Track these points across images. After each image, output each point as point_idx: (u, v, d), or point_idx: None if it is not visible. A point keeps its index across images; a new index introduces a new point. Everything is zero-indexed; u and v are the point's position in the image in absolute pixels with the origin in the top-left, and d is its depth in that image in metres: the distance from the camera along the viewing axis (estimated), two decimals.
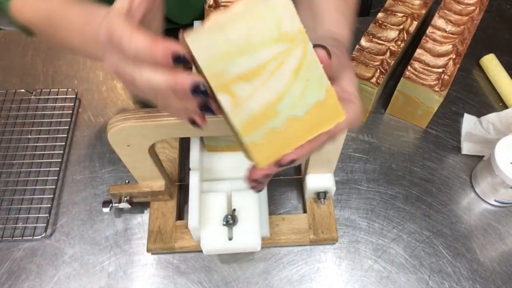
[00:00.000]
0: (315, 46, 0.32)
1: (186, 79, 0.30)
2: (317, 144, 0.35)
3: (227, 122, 0.34)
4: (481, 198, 0.70)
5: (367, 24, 0.76)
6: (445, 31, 0.75)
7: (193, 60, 0.30)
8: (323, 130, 0.34)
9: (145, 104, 0.38)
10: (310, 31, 0.43)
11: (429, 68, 0.71)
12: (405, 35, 0.74)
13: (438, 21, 0.76)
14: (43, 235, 0.66)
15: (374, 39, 0.74)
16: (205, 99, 0.31)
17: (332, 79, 0.35)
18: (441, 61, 0.71)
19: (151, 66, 0.30)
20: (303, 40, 0.30)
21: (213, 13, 0.29)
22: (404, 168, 0.73)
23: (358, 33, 0.74)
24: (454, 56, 0.71)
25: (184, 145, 0.75)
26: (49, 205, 0.69)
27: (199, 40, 0.28)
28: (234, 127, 0.32)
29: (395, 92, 0.73)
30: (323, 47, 0.33)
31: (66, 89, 0.81)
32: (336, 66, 0.35)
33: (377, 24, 0.76)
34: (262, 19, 0.29)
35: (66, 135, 0.76)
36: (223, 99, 0.30)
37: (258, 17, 0.29)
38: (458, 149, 0.75)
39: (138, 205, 0.69)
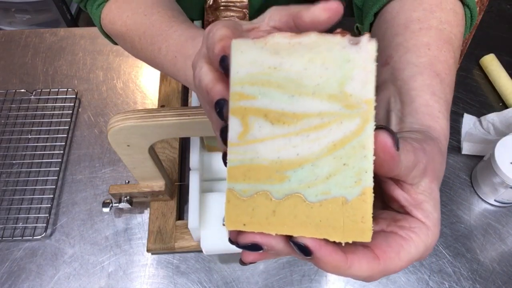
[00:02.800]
0: (378, 128, 0.23)
1: (217, 89, 0.26)
2: (321, 260, 0.24)
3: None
4: (481, 198, 0.70)
5: None
6: None
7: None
8: (331, 239, 0.24)
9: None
10: (395, 114, 0.34)
11: None
12: None
13: None
14: (43, 235, 0.66)
15: None
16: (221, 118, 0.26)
17: (401, 181, 0.27)
18: None
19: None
20: (365, 114, 0.23)
21: (279, 32, 0.24)
22: None
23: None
24: None
25: (184, 145, 0.75)
26: (49, 205, 0.69)
27: (245, 51, 0.24)
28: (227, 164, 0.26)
29: None
30: (389, 131, 0.23)
31: (66, 89, 0.81)
32: (408, 165, 0.26)
33: None
34: (330, 64, 0.23)
35: (66, 135, 0.76)
36: (233, 122, 0.25)
37: (325, 60, 0.23)
38: (458, 149, 0.75)
39: (138, 205, 0.69)
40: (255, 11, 0.84)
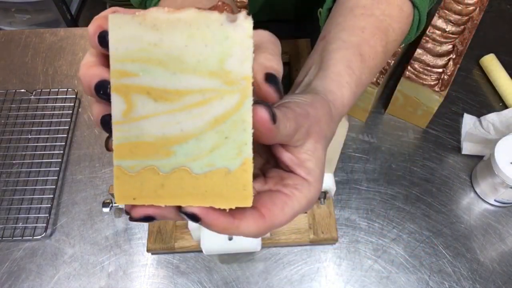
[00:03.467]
0: (255, 103, 0.25)
1: (94, 72, 0.25)
2: (211, 224, 0.26)
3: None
4: (481, 198, 0.70)
5: None
6: (445, 31, 0.75)
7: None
8: (217, 206, 0.25)
9: None
10: (308, 78, 0.38)
11: (429, 68, 0.71)
12: None
13: (438, 21, 0.76)
14: (43, 235, 0.66)
15: None
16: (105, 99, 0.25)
17: (287, 145, 0.30)
18: (441, 61, 0.71)
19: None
20: (244, 90, 0.24)
21: (155, 7, 0.24)
22: (404, 168, 0.73)
23: None
24: (454, 56, 0.71)
25: None
26: (49, 205, 0.69)
27: (124, 27, 0.24)
28: (112, 141, 0.26)
29: (395, 92, 0.73)
30: (267, 106, 0.25)
31: (66, 89, 0.81)
32: (288, 132, 0.28)
33: None
34: (209, 41, 0.24)
35: (66, 135, 0.76)
36: (115, 100, 0.24)
37: (205, 37, 0.24)
38: (458, 149, 0.75)
39: None
40: (256, 11, 0.84)
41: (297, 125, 0.28)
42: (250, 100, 0.24)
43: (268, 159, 0.33)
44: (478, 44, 0.84)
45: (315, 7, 0.93)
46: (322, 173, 0.31)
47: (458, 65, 0.71)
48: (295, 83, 0.40)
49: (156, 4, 0.51)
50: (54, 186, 0.71)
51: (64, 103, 0.80)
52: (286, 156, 0.30)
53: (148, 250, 0.64)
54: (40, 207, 0.69)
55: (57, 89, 0.81)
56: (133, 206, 0.26)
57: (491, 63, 0.82)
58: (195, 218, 0.25)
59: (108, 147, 0.27)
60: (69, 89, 0.81)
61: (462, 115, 0.77)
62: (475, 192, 0.71)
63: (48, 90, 0.81)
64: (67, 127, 0.77)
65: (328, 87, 0.36)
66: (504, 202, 0.68)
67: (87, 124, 0.79)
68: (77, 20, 2.04)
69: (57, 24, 1.88)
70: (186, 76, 0.24)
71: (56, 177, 0.72)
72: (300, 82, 0.39)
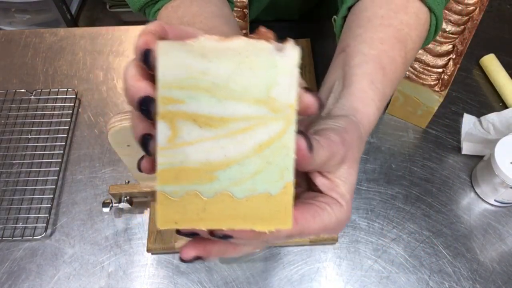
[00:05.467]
0: (298, 132, 0.26)
1: (140, 86, 0.26)
2: (242, 239, 0.27)
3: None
4: (481, 198, 0.70)
5: None
6: (445, 31, 0.75)
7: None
8: (257, 229, 0.26)
9: None
10: (334, 95, 0.38)
11: (429, 68, 0.71)
12: None
13: None
14: (43, 235, 0.66)
15: None
16: (148, 118, 0.26)
17: (321, 171, 0.31)
18: (441, 61, 0.71)
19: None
20: (288, 117, 0.25)
21: (205, 36, 0.25)
22: (404, 168, 0.73)
23: None
24: (454, 56, 0.71)
25: None
26: (49, 205, 0.69)
27: (172, 54, 0.24)
28: (143, 162, 0.27)
29: (395, 92, 0.73)
30: (306, 137, 0.27)
31: (66, 89, 0.81)
32: (322, 160, 0.29)
33: None
34: (257, 69, 0.24)
35: (66, 135, 0.76)
36: (161, 126, 0.25)
37: (252, 65, 0.24)
38: (458, 149, 0.75)
39: (138, 205, 0.69)
40: (260, 11, 0.84)
41: (330, 153, 0.29)
42: (293, 127, 0.25)
43: (299, 181, 0.34)
44: (478, 44, 0.84)
45: (317, 7, 0.93)
46: (352, 199, 0.32)
47: (458, 65, 0.71)
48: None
49: (156, 12, 0.51)
50: (54, 186, 0.71)
51: (64, 103, 0.80)
52: (320, 181, 0.31)
53: (148, 250, 0.64)
54: (40, 207, 0.69)
55: (57, 89, 0.81)
56: (183, 248, 0.28)
57: (491, 63, 0.82)
58: (226, 237, 0.26)
59: (139, 167, 0.28)
60: (69, 89, 0.81)
61: (462, 115, 0.77)
62: (475, 192, 0.71)
63: (48, 90, 0.81)
64: (67, 127, 0.77)
65: (355, 105, 0.36)
66: (504, 202, 0.68)
67: (87, 124, 0.79)
68: (77, 20, 2.04)
69: (57, 24, 1.88)
70: (232, 103, 0.25)
71: (56, 177, 0.72)
72: (326, 99, 0.39)
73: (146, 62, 0.25)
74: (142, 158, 0.28)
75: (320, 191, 0.31)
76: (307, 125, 0.35)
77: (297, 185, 0.33)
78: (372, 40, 0.40)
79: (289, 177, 0.25)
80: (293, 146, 0.25)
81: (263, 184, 0.25)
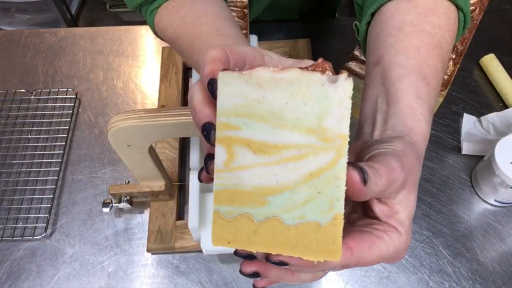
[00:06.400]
0: (350, 164, 0.26)
1: (205, 112, 0.28)
2: (297, 266, 0.27)
3: None
4: (481, 198, 0.70)
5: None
6: None
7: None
8: (305, 258, 0.26)
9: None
10: (381, 115, 0.37)
11: None
12: None
13: None
14: (43, 235, 0.66)
15: None
16: (209, 144, 0.28)
17: (379, 197, 0.30)
18: None
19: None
20: (339, 148, 0.25)
21: (261, 67, 0.26)
22: None
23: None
24: (454, 56, 0.71)
25: (184, 145, 0.75)
26: (49, 205, 0.69)
27: (231, 84, 0.26)
28: (204, 172, 0.29)
29: None
30: (358, 168, 0.26)
31: (66, 89, 0.81)
32: (380, 189, 0.28)
33: None
34: (309, 99, 0.25)
35: (66, 135, 0.76)
36: (218, 150, 0.27)
37: (306, 95, 0.25)
38: (458, 149, 0.75)
39: (138, 205, 0.69)
40: (261, 11, 0.84)
41: (389, 181, 0.28)
42: (345, 158, 0.25)
43: (355, 207, 0.33)
44: (478, 44, 0.84)
45: (317, 7, 0.93)
46: (411, 226, 0.31)
47: (458, 65, 0.71)
48: (364, 118, 0.38)
49: (153, 11, 0.51)
50: (54, 186, 0.71)
51: (64, 103, 0.80)
52: (377, 208, 0.30)
53: (148, 250, 0.64)
54: (40, 207, 0.69)
55: (57, 89, 0.81)
56: (245, 261, 0.29)
57: (491, 63, 0.82)
58: (283, 264, 0.27)
59: (200, 177, 0.30)
60: (69, 89, 0.81)
61: (462, 115, 0.77)
62: (475, 192, 0.71)
63: (48, 90, 0.81)
64: (67, 127, 0.77)
65: (408, 125, 0.35)
66: (504, 202, 0.68)
67: (87, 124, 0.79)
68: (77, 20, 2.04)
69: (57, 24, 1.88)
70: (285, 131, 0.26)
71: (56, 177, 0.72)
72: (371, 118, 0.37)
73: (211, 90, 0.27)
74: (202, 169, 0.30)
75: (377, 218, 0.30)
76: (361, 150, 0.34)
77: (353, 211, 0.33)
78: (407, 49, 0.39)
79: (339, 209, 0.26)
80: (344, 178, 0.25)
81: (312, 213, 0.26)
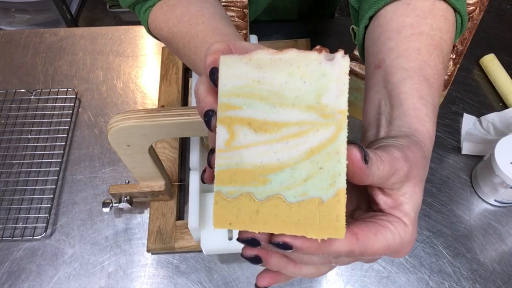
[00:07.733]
0: (349, 143, 0.26)
1: (208, 100, 0.29)
2: (301, 250, 0.26)
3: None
4: (481, 198, 0.70)
5: None
6: None
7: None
8: (309, 236, 0.26)
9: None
10: (385, 117, 0.37)
11: None
12: None
13: None
14: (43, 235, 0.66)
15: None
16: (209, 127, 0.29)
17: (383, 187, 0.30)
18: None
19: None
20: (339, 123, 0.25)
21: (262, 49, 0.27)
22: None
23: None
24: (454, 56, 0.71)
25: (184, 145, 0.75)
26: (49, 205, 0.69)
27: (232, 66, 0.27)
28: (206, 174, 0.30)
29: None
30: (359, 146, 0.26)
31: (66, 89, 0.81)
32: (382, 175, 0.28)
33: None
34: (308, 78, 0.26)
35: (66, 135, 0.76)
36: (220, 130, 0.27)
37: (304, 74, 0.26)
38: (458, 149, 0.75)
39: (138, 205, 0.69)
40: (260, 12, 0.84)
41: (392, 169, 0.28)
42: (345, 132, 0.25)
43: (359, 204, 0.33)
44: (478, 44, 0.84)
45: (316, 7, 0.93)
46: (416, 218, 0.30)
47: (458, 65, 0.71)
48: (368, 121, 0.38)
49: (147, 10, 0.51)
50: (54, 186, 0.71)
51: (64, 103, 0.80)
52: (381, 199, 0.30)
53: (148, 250, 0.64)
54: (40, 207, 0.69)
55: (57, 89, 0.81)
56: (242, 231, 0.28)
57: (491, 63, 0.82)
58: (287, 247, 0.26)
59: (202, 178, 0.31)
60: (69, 89, 0.81)
61: (462, 115, 0.77)
62: (475, 192, 0.71)
63: (48, 90, 0.81)
64: (67, 127, 0.77)
65: (413, 126, 0.35)
66: (504, 202, 0.68)
67: (87, 124, 0.79)
68: (77, 20, 2.04)
69: (57, 24, 1.88)
70: (285, 109, 0.26)
71: (56, 177, 0.72)
72: (376, 121, 0.37)
73: (212, 79, 0.28)
74: (204, 171, 0.30)
75: (381, 210, 0.30)
76: (366, 146, 0.34)
77: (357, 207, 0.33)
78: (408, 52, 0.39)
79: (341, 184, 0.25)
80: (345, 152, 0.25)
81: (314, 189, 0.26)
